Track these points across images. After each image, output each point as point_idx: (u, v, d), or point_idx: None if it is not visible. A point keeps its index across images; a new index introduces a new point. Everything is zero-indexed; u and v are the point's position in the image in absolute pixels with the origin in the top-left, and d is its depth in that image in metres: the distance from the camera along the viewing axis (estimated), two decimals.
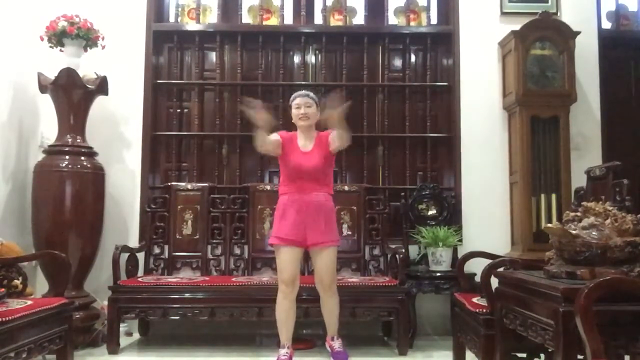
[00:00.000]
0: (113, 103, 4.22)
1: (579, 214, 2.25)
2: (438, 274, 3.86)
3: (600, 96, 4.33)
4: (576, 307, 1.77)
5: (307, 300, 3.46)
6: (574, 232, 2.13)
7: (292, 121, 3.40)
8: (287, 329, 3.25)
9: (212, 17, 4.64)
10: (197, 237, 4.16)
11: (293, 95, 3.41)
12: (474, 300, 2.88)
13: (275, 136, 3.31)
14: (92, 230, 3.88)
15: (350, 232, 4.13)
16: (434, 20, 4.62)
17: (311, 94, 3.39)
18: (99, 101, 4.04)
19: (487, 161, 4.27)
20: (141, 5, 4.40)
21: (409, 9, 4.61)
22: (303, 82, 4.44)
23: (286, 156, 3.31)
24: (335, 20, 4.64)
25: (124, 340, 3.80)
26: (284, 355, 3.20)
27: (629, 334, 1.91)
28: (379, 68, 4.59)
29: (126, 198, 4.27)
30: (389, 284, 3.64)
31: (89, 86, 3.88)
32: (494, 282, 2.66)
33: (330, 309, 3.33)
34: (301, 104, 3.33)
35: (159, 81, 4.48)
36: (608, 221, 2.16)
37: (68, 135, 3.87)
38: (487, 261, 2.87)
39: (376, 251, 4.15)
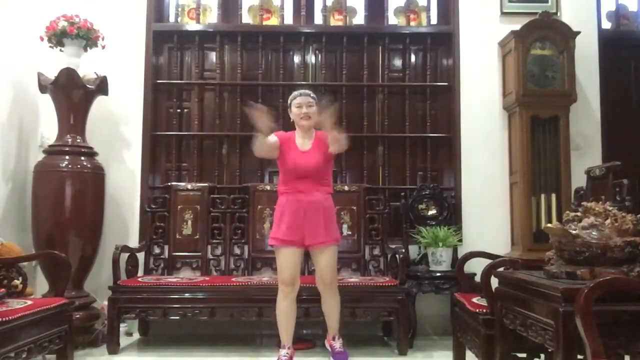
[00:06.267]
0: (113, 103, 4.22)
1: (579, 214, 2.25)
2: (438, 274, 3.86)
3: (600, 96, 4.33)
4: (576, 307, 1.77)
5: (308, 300, 3.46)
6: (574, 232, 2.13)
7: (292, 120, 3.37)
8: (287, 329, 3.24)
9: (212, 17, 4.64)
10: (197, 237, 4.16)
11: (293, 94, 3.37)
12: (474, 300, 2.88)
13: (272, 138, 3.22)
14: (92, 230, 3.88)
15: (350, 232, 4.13)
16: (434, 20, 4.62)
17: (312, 93, 3.36)
18: (99, 101, 4.04)
19: (487, 161, 4.27)
20: (141, 5, 4.40)
21: (409, 9, 4.61)
22: (303, 82, 4.43)
23: (284, 156, 3.28)
24: (335, 20, 4.64)
25: (124, 340, 3.80)
26: (285, 356, 3.19)
27: (629, 334, 1.91)
28: (379, 68, 4.58)
29: (126, 198, 4.27)
30: (389, 284, 3.64)
31: (89, 86, 3.88)
32: (494, 282, 2.67)
33: (331, 307, 3.33)
34: (302, 104, 3.29)
35: (159, 81, 4.48)
36: (608, 221, 2.16)
37: (68, 135, 3.87)
38: (487, 261, 2.88)
39: (376, 251, 4.15)
